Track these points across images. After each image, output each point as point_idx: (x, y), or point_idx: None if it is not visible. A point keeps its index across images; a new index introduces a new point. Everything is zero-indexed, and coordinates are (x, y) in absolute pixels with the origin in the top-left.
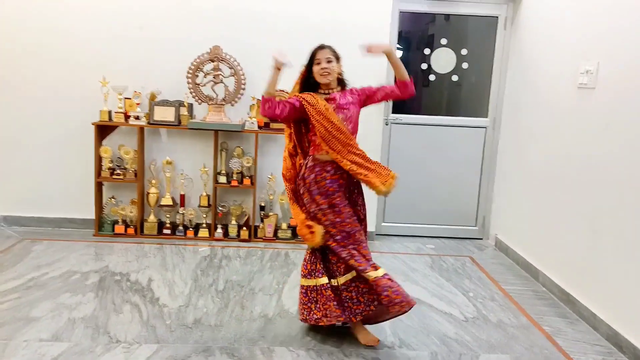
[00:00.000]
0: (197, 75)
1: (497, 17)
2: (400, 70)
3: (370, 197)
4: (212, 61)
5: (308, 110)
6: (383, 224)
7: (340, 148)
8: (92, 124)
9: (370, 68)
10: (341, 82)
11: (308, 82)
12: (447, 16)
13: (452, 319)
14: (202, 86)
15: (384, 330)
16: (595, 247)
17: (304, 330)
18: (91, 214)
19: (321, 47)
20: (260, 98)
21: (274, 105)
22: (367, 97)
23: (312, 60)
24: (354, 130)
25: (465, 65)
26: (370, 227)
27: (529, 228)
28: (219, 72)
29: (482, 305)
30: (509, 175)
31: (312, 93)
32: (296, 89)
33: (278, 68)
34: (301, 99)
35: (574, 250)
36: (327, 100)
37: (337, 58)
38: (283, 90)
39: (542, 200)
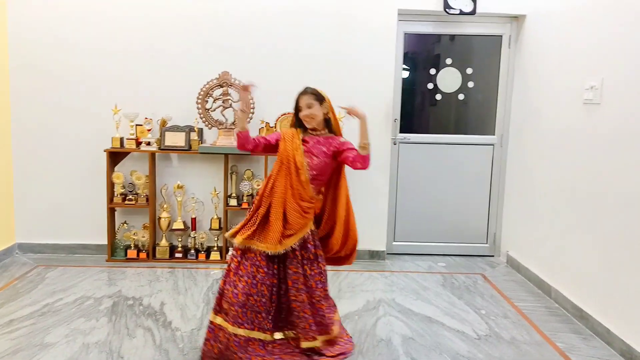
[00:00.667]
0: (206, 101)
1: (501, 36)
2: (363, 139)
3: (380, 215)
4: (221, 86)
5: (280, 144)
6: (394, 243)
7: (286, 188)
8: (104, 151)
9: (376, 92)
10: (328, 123)
11: (297, 121)
12: (452, 36)
13: (464, 337)
14: (211, 111)
15: (396, 350)
16: (608, 262)
17: None
18: (104, 240)
19: (303, 93)
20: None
21: (246, 142)
22: (339, 153)
23: (296, 106)
24: (315, 179)
25: (470, 84)
26: (381, 246)
27: (541, 244)
28: (228, 97)
29: (494, 323)
30: (519, 191)
31: (299, 129)
32: (291, 121)
33: (243, 111)
34: (282, 132)
35: (586, 266)
36: (304, 140)
37: (320, 100)
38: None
39: (552, 216)
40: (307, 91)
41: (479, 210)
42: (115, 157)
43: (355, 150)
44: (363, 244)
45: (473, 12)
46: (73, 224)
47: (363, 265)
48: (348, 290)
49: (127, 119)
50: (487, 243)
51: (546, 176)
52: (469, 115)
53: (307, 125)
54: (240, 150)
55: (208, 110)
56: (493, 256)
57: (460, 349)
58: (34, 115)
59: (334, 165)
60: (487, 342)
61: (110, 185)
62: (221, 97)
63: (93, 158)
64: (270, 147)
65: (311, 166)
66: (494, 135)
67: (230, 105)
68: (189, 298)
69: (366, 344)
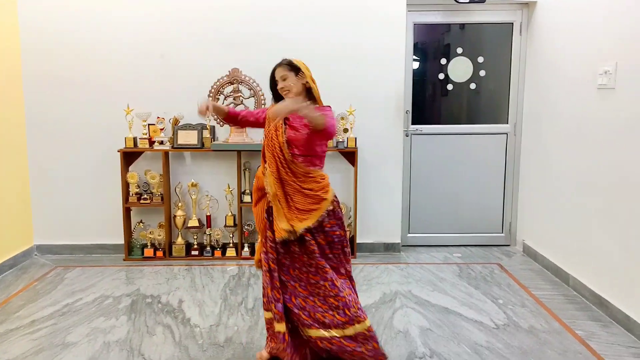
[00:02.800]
0: (217, 98)
1: (512, 23)
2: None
3: (394, 207)
4: (232, 83)
5: (266, 124)
6: (409, 235)
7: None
8: (118, 151)
9: (387, 84)
10: (309, 92)
11: (276, 98)
12: (462, 25)
13: (482, 327)
14: None
15: (414, 341)
16: (627, 249)
17: None
18: (121, 239)
19: (277, 65)
20: None
21: (234, 118)
22: None
23: (271, 81)
24: (302, 153)
25: (482, 73)
26: (396, 238)
27: (557, 232)
28: (239, 94)
29: (512, 312)
30: (533, 180)
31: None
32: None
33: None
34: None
35: (604, 253)
36: (286, 118)
37: (296, 70)
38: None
39: (568, 204)
40: (281, 63)
41: (494, 200)
42: (129, 157)
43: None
44: (378, 237)
45: (483, 0)
46: (90, 224)
47: (378, 257)
48: (364, 283)
49: (140, 118)
50: (502, 232)
51: (562, 163)
52: (482, 104)
53: (286, 98)
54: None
55: None
56: (509, 245)
57: (478, 339)
58: (48, 118)
59: (313, 137)
60: (505, 332)
61: (125, 185)
62: (232, 94)
63: (107, 158)
64: (255, 122)
65: (294, 142)
66: (507, 124)
67: (242, 101)
68: (206, 295)
69: (384, 335)
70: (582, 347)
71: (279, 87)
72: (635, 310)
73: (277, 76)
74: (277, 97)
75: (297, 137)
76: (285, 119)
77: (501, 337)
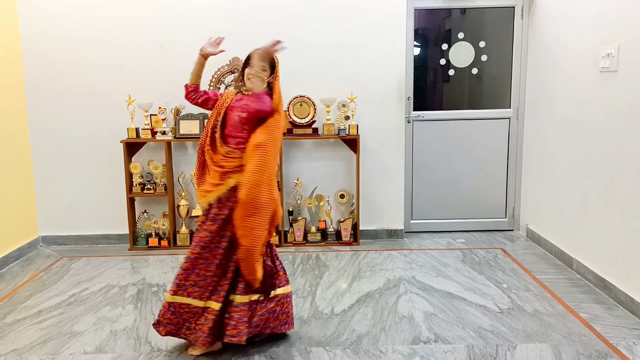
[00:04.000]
0: (218, 87)
1: (513, 7)
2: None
3: (397, 194)
4: (232, 72)
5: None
6: (412, 221)
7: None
8: (121, 142)
9: (388, 70)
10: (269, 87)
11: (240, 80)
12: (463, 10)
13: (486, 311)
14: None
15: (419, 326)
16: (630, 231)
17: (339, 330)
18: (125, 229)
19: (255, 52)
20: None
21: (190, 93)
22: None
23: (245, 62)
24: (229, 135)
25: (484, 58)
26: (399, 225)
27: (561, 216)
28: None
29: (516, 296)
30: (537, 164)
31: (233, 92)
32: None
33: (204, 56)
34: (222, 94)
35: (607, 236)
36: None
37: (273, 67)
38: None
39: (572, 188)
40: (263, 54)
41: (497, 185)
42: (131, 147)
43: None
44: (381, 224)
45: None
46: (94, 215)
47: (382, 244)
48: (367, 270)
49: (142, 109)
50: (505, 217)
51: (564, 147)
52: (484, 89)
53: (247, 84)
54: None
55: (221, 96)
56: (512, 230)
57: (483, 323)
58: (50, 109)
59: (250, 123)
60: (509, 315)
61: (129, 176)
62: (232, 83)
63: (110, 149)
64: (210, 102)
65: (229, 122)
66: (509, 108)
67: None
68: None
69: (388, 320)
70: (586, 329)
71: (251, 72)
72: (639, 292)
73: (257, 63)
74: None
75: (232, 118)
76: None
77: (505, 321)
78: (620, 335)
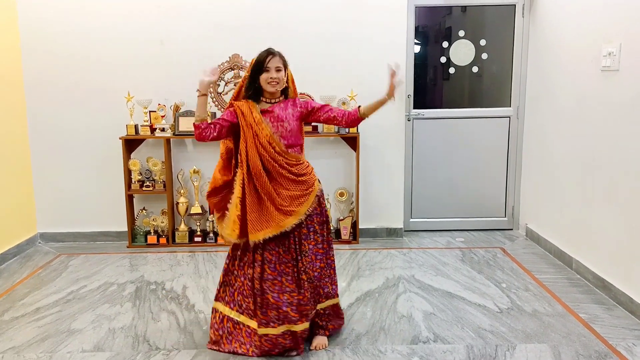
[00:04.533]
0: (218, 84)
1: (514, 5)
2: (373, 111)
3: (396, 192)
4: (233, 69)
5: (240, 121)
6: (411, 220)
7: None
8: (120, 139)
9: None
10: (285, 91)
11: (252, 87)
12: (464, 8)
13: (486, 310)
14: (224, 94)
15: (418, 325)
16: (630, 231)
17: (338, 330)
18: (124, 227)
19: (272, 54)
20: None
21: (204, 131)
22: (310, 114)
23: (260, 66)
24: (293, 144)
25: (485, 56)
26: (398, 223)
27: (561, 216)
28: (240, 80)
29: (516, 296)
30: (536, 163)
31: (250, 101)
32: (236, 94)
33: (204, 94)
34: (235, 107)
35: (607, 236)
36: (264, 112)
37: (286, 66)
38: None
39: (572, 187)
40: (275, 53)
41: (497, 184)
42: (130, 144)
43: (334, 108)
44: (380, 222)
45: None
46: (93, 212)
47: (381, 243)
48: (367, 269)
49: (141, 105)
50: (505, 216)
51: (565, 146)
52: (484, 87)
53: (270, 89)
54: (198, 140)
55: (220, 94)
56: (512, 229)
57: (482, 323)
58: (49, 105)
59: (301, 127)
60: (509, 315)
61: (127, 173)
62: (233, 80)
63: (109, 146)
64: (229, 129)
65: (283, 135)
66: (509, 107)
67: None
68: (210, 281)
69: (387, 320)
70: (585, 330)
71: (271, 76)
72: (639, 292)
73: (272, 65)
74: (255, 85)
75: (289, 130)
76: (265, 114)
77: (505, 321)
78: (619, 336)
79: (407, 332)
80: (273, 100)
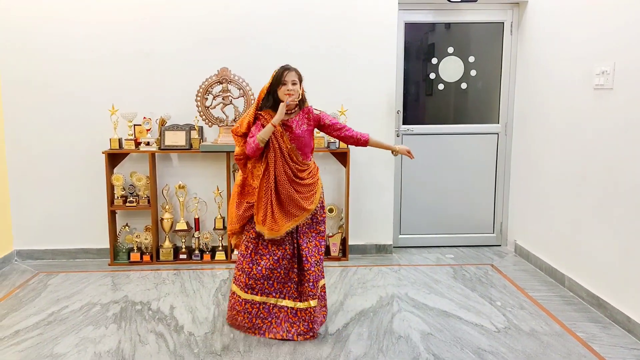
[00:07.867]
0: (206, 98)
1: (502, 22)
2: (376, 147)
3: (385, 208)
4: (221, 83)
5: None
6: (400, 236)
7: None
8: (103, 153)
9: (378, 84)
10: (301, 102)
11: (268, 100)
12: (453, 25)
13: (483, 330)
14: (211, 108)
15: (417, 347)
16: (623, 249)
17: (335, 352)
18: (106, 243)
19: (288, 69)
20: (253, 142)
21: (259, 150)
22: (326, 126)
23: (278, 80)
24: (307, 153)
25: (473, 73)
26: (387, 239)
27: (551, 232)
28: (228, 94)
29: (512, 315)
30: (525, 179)
31: (271, 112)
32: (252, 110)
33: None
34: (262, 118)
35: (601, 254)
36: (284, 125)
37: (301, 80)
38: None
39: (562, 204)
40: (291, 68)
41: (485, 200)
42: (114, 158)
43: (350, 128)
44: (369, 238)
45: (474, 0)
46: (73, 228)
47: (371, 259)
48: (359, 287)
49: (125, 119)
50: (493, 233)
51: (555, 164)
52: (472, 104)
53: (287, 101)
54: (251, 156)
55: (208, 107)
56: (500, 245)
57: (481, 343)
58: (28, 118)
59: (313, 135)
60: (507, 335)
61: (110, 188)
62: (221, 93)
63: (91, 160)
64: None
65: (299, 146)
66: (498, 123)
67: (231, 101)
68: (198, 300)
69: (385, 341)
70: (585, 349)
71: (289, 88)
72: (635, 311)
73: (288, 79)
74: (275, 98)
75: (304, 142)
76: (286, 129)
77: (504, 341)
78: (619, 356)
79: (407, 354)
80: (290, 112)
